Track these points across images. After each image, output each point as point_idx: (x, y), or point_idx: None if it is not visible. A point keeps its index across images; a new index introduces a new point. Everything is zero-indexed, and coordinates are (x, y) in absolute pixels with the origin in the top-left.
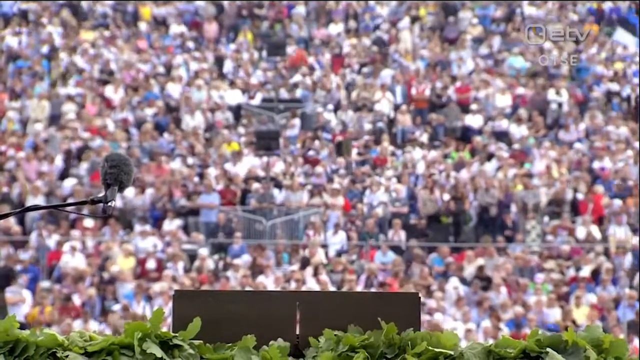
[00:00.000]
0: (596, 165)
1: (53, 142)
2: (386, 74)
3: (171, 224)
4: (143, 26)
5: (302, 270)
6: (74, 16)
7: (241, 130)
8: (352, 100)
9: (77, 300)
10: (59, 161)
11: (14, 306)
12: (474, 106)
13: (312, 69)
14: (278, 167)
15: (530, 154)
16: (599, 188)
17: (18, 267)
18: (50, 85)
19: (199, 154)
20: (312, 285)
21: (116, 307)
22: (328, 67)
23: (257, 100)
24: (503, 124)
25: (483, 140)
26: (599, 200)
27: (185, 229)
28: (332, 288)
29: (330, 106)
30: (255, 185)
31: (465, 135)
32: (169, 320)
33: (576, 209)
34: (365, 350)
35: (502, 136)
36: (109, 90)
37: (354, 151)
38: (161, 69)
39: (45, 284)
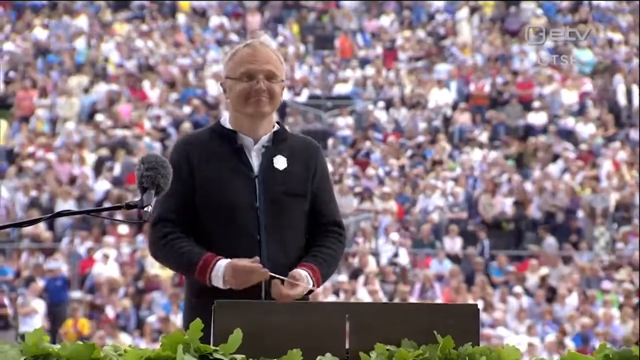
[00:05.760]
0: None
1: (85, 143)
2: (442, 69)
3: None
4: (182, 18)
5: (353, 280)
6: (108, 7)
7: (287, 128)
8: (405, 97)
9: (110, 312)
10: (91, 163)
11: (26, 317)
12: (537, 103)
13: (363, 63)
14: None
15: (599, 154)
16: None
17: (46, 277)
18: (82, 82)
19: None
20: (362, 296)
21: (152, 319)
22: (380, 62)
23: (303, 97)
24: (569, 122)
25: (547, 140)
26: None
27: None
28: (383, 299)
29: (382, 103)
30: None
31: (528, 135)
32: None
33: None
34: None
35: (568, 136)
36: (145, 87)
37: (409, 152)
38: (200, 64)
39: (76, 294)
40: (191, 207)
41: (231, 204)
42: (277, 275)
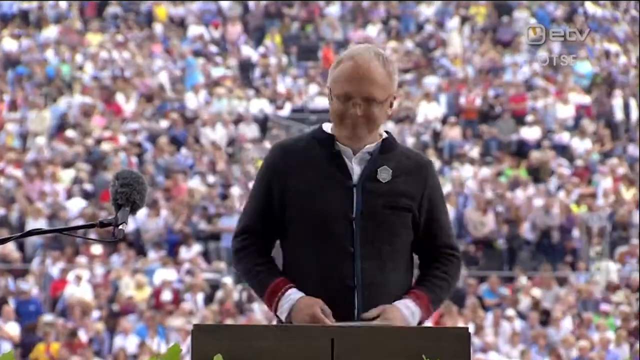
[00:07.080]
0: None
1: (57, 158)
2: (432, 81)
3: (189, 251)
4: (158, 28)
5: None
6: (81, 17)
7: (268, 144)
8: (392, 110)
9: (83, 335)
10: (63, 179)
11: None
12: (530, 117)
13: None
14: None
15: (595, 171)
16: None
17: (15, 299)
18: (54, 94)
19: (220, 171)
20: None
21: (127, 344)
22: None
23: (286, 110)
24: (564, 137)
25: (541, 156)
26: None
27: (206, 255)
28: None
29: None
30: None
31: (521, 150)
32: (187, 358)
33: None
34: None
35: (563, 151)
36: (119, 100)
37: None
38: (178, 76)
39: (48, 317)
40: (278, 219)
41: (324, 213)
42: (346, 324)
